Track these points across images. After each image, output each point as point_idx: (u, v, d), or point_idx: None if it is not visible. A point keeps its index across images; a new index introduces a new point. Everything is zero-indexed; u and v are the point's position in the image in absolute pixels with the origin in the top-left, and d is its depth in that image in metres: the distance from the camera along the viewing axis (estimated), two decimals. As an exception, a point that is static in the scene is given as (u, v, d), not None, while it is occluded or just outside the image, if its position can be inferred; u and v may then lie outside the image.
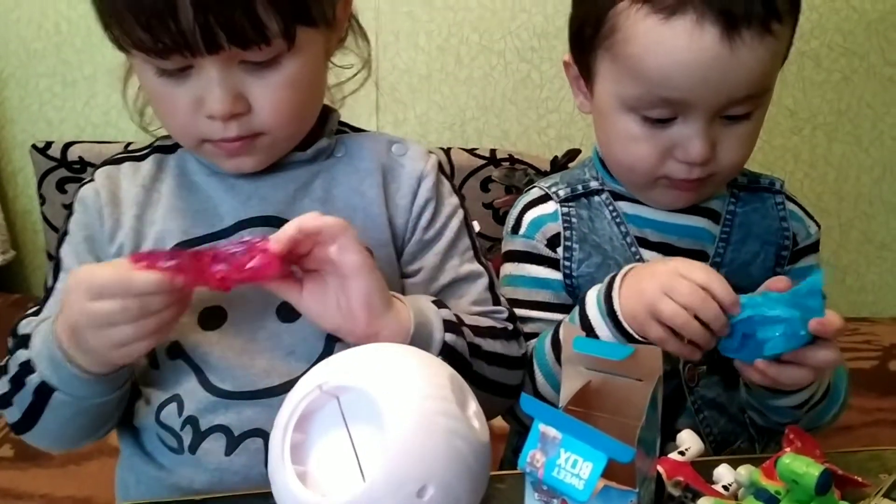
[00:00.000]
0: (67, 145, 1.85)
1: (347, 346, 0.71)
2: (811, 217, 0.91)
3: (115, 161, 0.81)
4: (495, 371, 0.75)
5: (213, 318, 0.74)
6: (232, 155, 0.74)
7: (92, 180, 0.80)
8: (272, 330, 0.73)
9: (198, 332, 0.73)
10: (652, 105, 0.76)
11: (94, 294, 0.62)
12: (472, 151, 1.89)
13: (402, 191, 0.79)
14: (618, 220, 0.85)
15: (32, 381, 0.69)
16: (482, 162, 1.88)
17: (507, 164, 1.87)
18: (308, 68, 0.73)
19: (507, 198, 1.83)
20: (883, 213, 2.12)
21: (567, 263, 0.84)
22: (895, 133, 2.07)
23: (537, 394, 0.80)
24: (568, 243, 0.84)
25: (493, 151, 1.89)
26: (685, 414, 0.84)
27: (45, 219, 1.89)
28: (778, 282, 0.73)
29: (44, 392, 0.69)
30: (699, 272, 0.71)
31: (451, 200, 0.82)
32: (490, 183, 1.87)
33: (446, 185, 0.82)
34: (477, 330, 0.74)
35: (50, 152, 1.85)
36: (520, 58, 1.94)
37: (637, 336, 0.73)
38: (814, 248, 0.90)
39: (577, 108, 0.87)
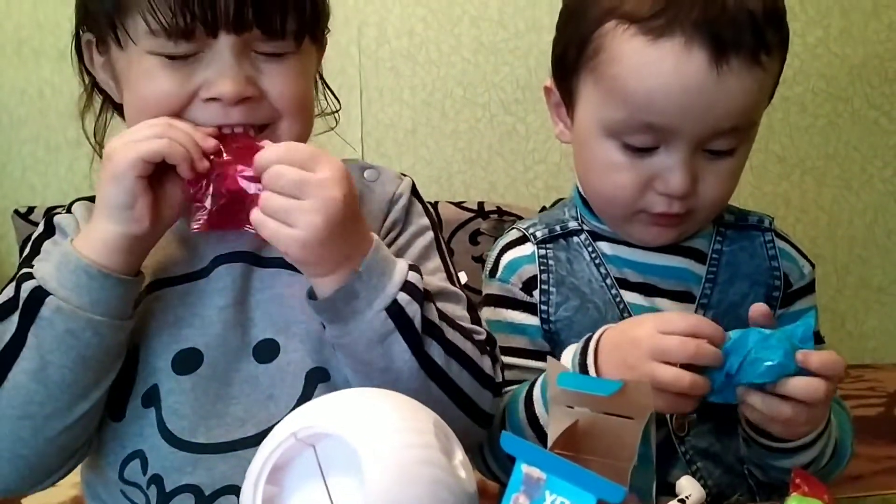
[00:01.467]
0: (50, 210, 1.83)
1: (329, 388, 0.67)
2: (804, 256, 0.87)
3: (90, 199, 0.79)
4: (457, 370, 0.68)
5: (187, 361, 0.69)
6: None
7: (69, 212, 0.77)
8: (249, 372, 0.70)
9: (171, 378, 0.69)
10: (634, 130, 0.74)
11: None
12: (459, 205, 1.88)
13: (373, 215, 0.76)
14: (597, 260, 0.82)
15: (26, 287, 0.63)
16: (470, 215, 1.86)
17: (496, 216, 1.86)
18: (309, 75, 0.75)
19: (497, 250, 1.81)
20: (878, 257, 2.10)
21: (544, 307, 0.81)
22: (884, 176, 2.07)
23: (507, 456, 0.75)
24: (545, 286, 0.81)
25: (480, 204, 1.87)
26: (677, 465, 0.79)
27: (27, 285, 1.86)
28: (758, 308, 0.70)
29: (37, 297, 0.63)
30: (679, 321, 0.67)
31: (420, 221, 0.79)
32: (479, 236, 1.85)
33: (418, 207, 0.79)
34: (448, 319, 0.69)
35: (32, 217, 1.83)
36: (504, 110, 1.95)
37: None
38: (809, 289, 0.86)
39: (556, 136, 0.84)
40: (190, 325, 0.70)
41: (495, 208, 1.87)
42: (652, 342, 0.66)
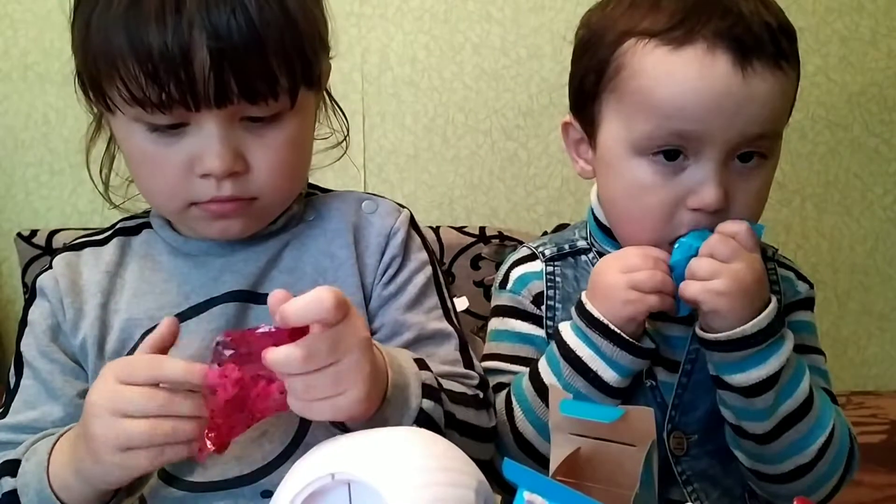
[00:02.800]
0: (52, 233, 1.84)
1: (323, 426, 0.67)
2: (803, 278, 0.88)
3: (74, 247, 0.78)
4: (465, 442, 0.70)
5: None
6: (220, 217, 0.71)
7: (50, 268, 0.77)
8: None
9: None
10: (664, 141, 0.74)
11: (124, 375, 0.57)
12: (461, 230, 1.88)
13: (371, 249, 0.76)
14: None
15: None
16: (471, 240, 1.86)
17: (497, 241, 1.86)
18: (305, 129, 0.72)
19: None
20: (879, 284, 2.10)
21: (550, 323, 0.82)
22: (885, 203, 2.07)
23: (517, 433, 0.76)
24: (551, 302, 0.83)
25: (482, 229, 1.88)
26: (674, 485, 0.79)
27: (29, 308, 1.85)
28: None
29: None
30: (638, 260, 0.75)
31: (419, 256, 0.79)
32: (480, 260, 1.85)
33: (416, 241, 0.79)
34: (452, 396, 0.69)
35: (35, 240, 1.84)
36: (506, 136, 1.96)
37: (620, 331, 0.74)
38: (803, 304, 0.87)
39: (578, 174, 0.85)
40: None
41: (497, 233, 1.87)
42: (616, 263, 0.75)
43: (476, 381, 0.74)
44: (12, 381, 0.75)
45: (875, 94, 2.03)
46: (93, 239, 0.79)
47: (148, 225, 0.79)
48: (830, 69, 2.01)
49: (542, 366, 0.77)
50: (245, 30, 0.63)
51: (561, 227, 1.86)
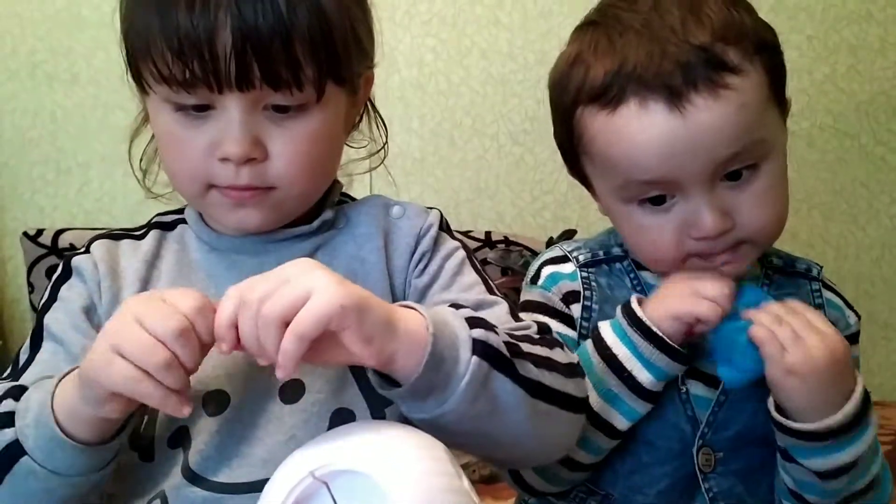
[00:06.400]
0: (59, 232, 1.84)
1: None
2: (850, 307, 0.87)
3: (113, 236, 0.79)
4: (549, 376, 0.66)
5: (215, 403, 0.69)
6: (238, 205, 0.71)
7: (87, 252, 0.77)
8: (274, 413, 0.69)
9: (201, 419, 0.69)
10: (640, 191, 0.74)
11: (140, 314, 0.59)
12: (466, 234, 1.88)
13: (400, 251, 0.76)
14: (639, 288, 0.82)
15: (5, 435, 0.62)
16: (477, 244, 1.86)
17: (503, 246, 1.85)
18: (330, 126, 0.72)
19: (504, 279, 1.80)
20: (885, 293, 2.09)
21: (585, 324, 0.81)
22: (891, 212, 2.06)
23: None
24: (587, 303, 0.82)
25: (488, 234, 1.88)
26: (699, 501, 0.79)
27: (34, 307, 1.85)
28: None
29: (12, 454, 0.62)
30: (712, 287, 0.76)
31: (449, 245, 0.77)
32: (486, 265, 1.84)
33: (445, 236, 0.78)
34: (510, 333, 0.66)
35: (41, 239, 1.84)
36: (512, 141, 1.96)
37: (660, 332, 0.75)
38: (853, 339, 0.86)
39: (599, 211, 0.85)
40: (217, 366, 0.69)
41: (502, 238, 1.87)
42: (689, 283, 0.76)
43: (535, 328, 0.71)
44: (24, 355, 0.73)
45: (883, 102, 2.02)
46: (130, 233, 0.79)
47: (183, 221, 0.80)
48: (839, 77, 2.00)
49: (606, 331, 0.77)
50: (271, 14, 0.64)
51: (567, 233, 1.86)
